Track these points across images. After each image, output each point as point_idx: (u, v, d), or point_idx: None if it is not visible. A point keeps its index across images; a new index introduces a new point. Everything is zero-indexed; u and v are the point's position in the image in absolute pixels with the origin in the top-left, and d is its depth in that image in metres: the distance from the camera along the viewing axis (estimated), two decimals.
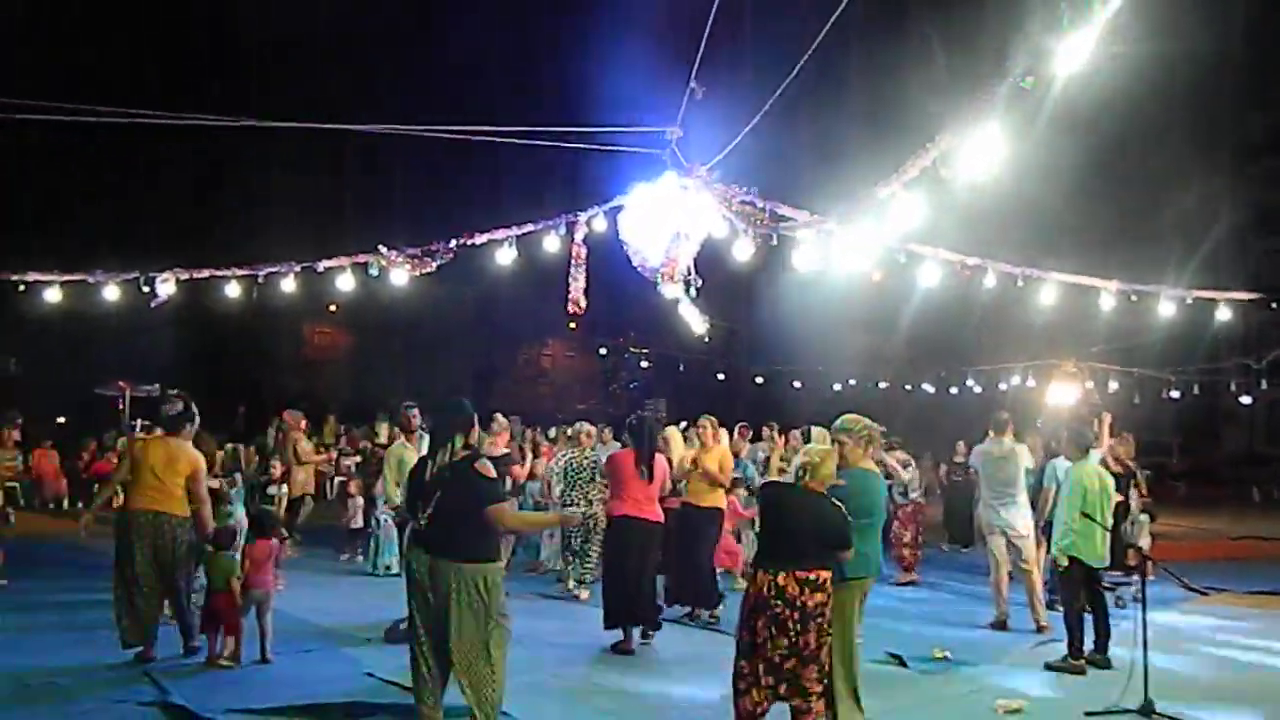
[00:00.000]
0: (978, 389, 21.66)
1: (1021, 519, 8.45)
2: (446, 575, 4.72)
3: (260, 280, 9.19)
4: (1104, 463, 8.63)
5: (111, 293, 9.01)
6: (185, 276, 8.95)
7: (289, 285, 9.24)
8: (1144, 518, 10.83)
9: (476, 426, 5.08)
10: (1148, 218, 17.63)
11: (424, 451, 8.22)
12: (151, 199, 23.70)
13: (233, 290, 9.30)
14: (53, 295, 9.10)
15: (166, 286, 8.89)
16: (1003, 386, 20.57)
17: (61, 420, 21.98)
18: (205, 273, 9.04)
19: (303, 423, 12.52)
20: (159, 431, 7.39)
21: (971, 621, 8.68)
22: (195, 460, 6.81)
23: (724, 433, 9.40)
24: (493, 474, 4.99)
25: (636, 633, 7.44)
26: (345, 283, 9.15)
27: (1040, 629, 8.18)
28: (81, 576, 10.33)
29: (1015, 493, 8.49)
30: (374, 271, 8.99)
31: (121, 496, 7.19)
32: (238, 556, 6.83)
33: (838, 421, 5.62)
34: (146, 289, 8.92)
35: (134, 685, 6.01)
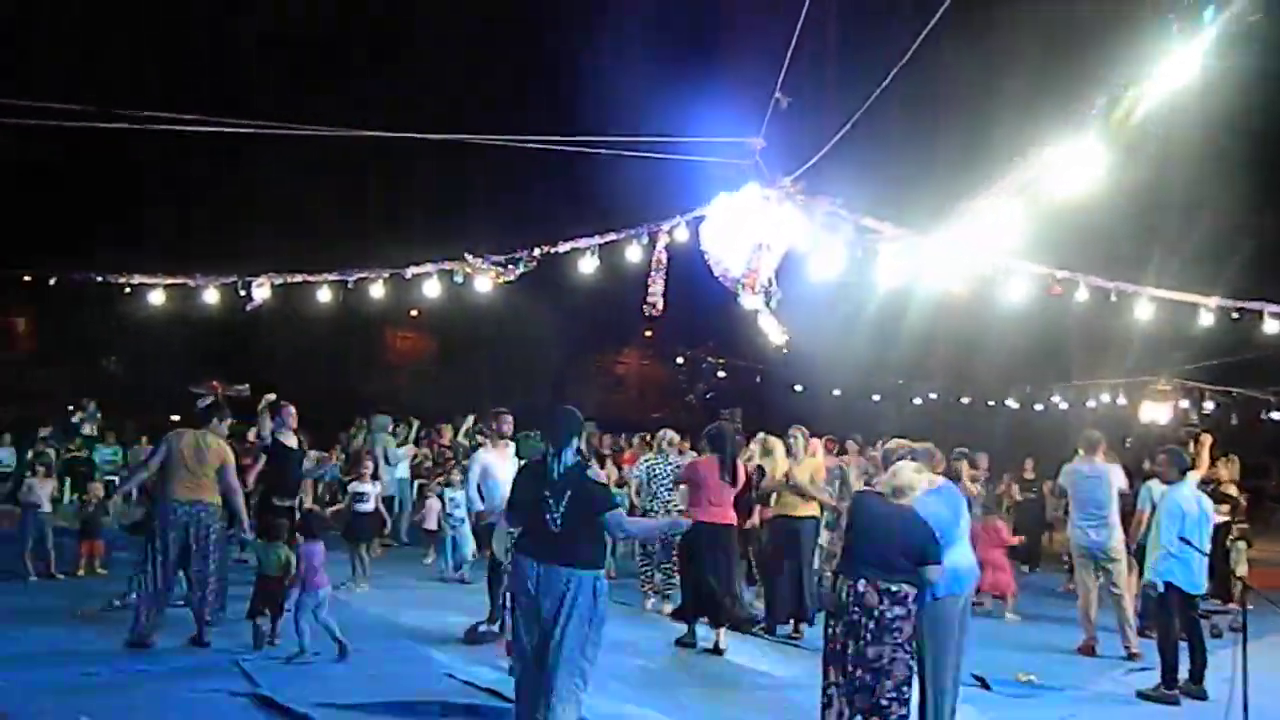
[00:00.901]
0: (1064, 406, 21.05)
1: (1113, 541, 8.18)
2: (559, 582, 4.71)
3: (350, 286, 9.45)
4: (1202, 485, 8.30)
5: (210, 296, 9.38)
6: (279, 281, 9.27)
7: (378, 291, 9.47)
8: (1241, 545, 10.40)
9: (586, 433, 5.14)
10: (1251, 233, 16.94)
11: (510, 459, 8.49)
12: (249, 206, 24.55)
13: (324, 295, 9.58)
14: (155, 297, 9.52)
15: (261, 291, 9.22)
16: (1091, 404, 19.97)
17: (177, 418, 22.79)
18: (298, 277, 9.34)
19: (391, 426, 12.84)
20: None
21: (1054, 645, 8.42)
22: (224, 451, 7.20)
23: (816, 443, 9.35)
24: (605, 481, 5.04)
25: (713, 634, 7.53)
26: (431, 289, 9.35)
27: (1131, 655, 7.90)
28: None
29: (1107, 514, 8.22)
30: (459, 278, 9.18)
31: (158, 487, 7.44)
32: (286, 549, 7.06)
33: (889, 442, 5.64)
34: (243, 293, 9.27)
35: (225, 676, 6.22)
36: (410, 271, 9.23)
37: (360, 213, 25.17)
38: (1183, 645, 6.85)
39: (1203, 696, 6.67)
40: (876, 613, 4.77)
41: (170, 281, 9.34)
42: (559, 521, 4.76)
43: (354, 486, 10.26)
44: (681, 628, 7.84)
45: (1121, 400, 19.07)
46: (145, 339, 22.88)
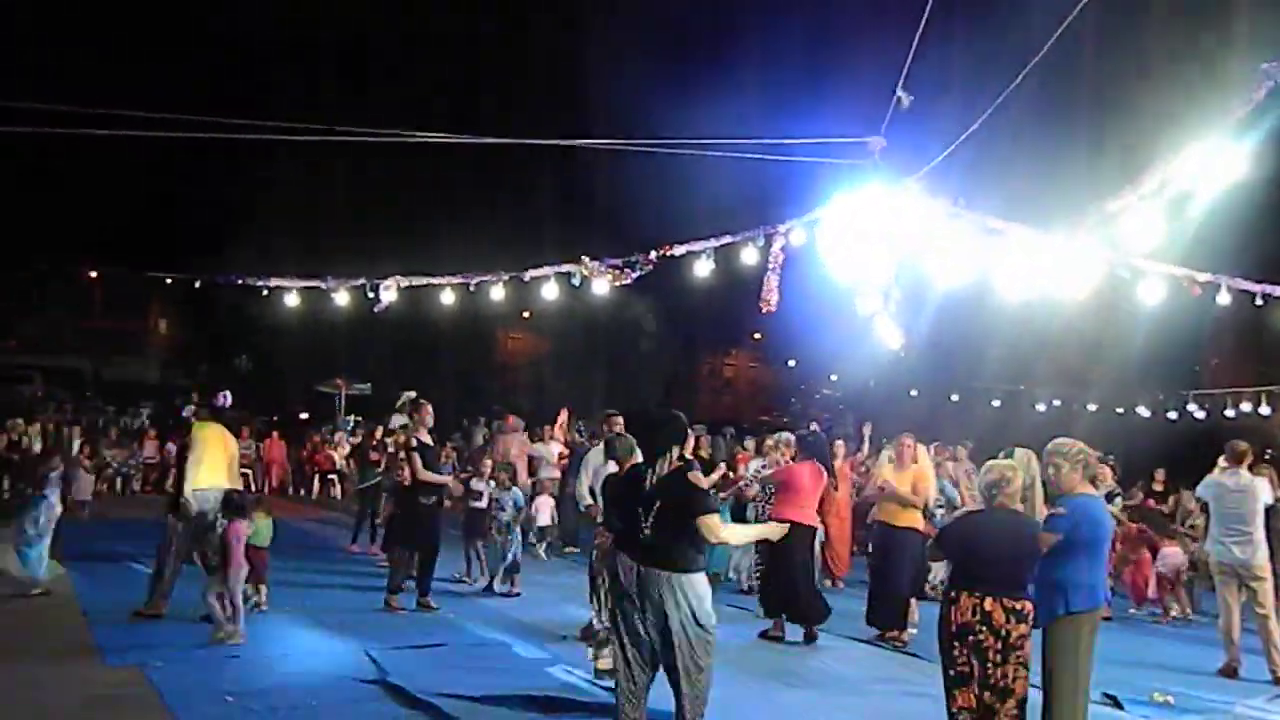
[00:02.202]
0: (1200, 414, 19.96)
1: (1259, 559, 7.73)
2: (659, 585, 4.76)
3: (472, 289, 9.70)
4: None
5: (341, 298, 9.77)
6: (406, 284, 9.58)
7: (498, 293, 9.70)
8: None
9: (690, 437, 5.18)
10: None
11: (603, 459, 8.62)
12: (379, 212, 25.58)
13: (447, 298, 9.86)
14: (291, 299, 9.98)
15: (389, 293, 9.54)
16: (1229, 413, 18.88)
17: (306, 416, 23.93)
18: (423, 280, 9.64)
19: (520, 428, 13.14)
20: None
21: (1193, 666, 8.01)
22: (232, 443, 8.18)
23: (923, 451, 9.13)
24: (705, 485, 5.08)
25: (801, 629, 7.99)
26: (550, 292, 9.51)
27: (1277, 680, 7.45)
28: (307, 557, 11.27)
29: (1252, 530, 7.77)
30: (576, 281, 9.32)
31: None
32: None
33: (1051, 444, 5.33)
34: (371, 295, 9.63)
35: (353, 663, 6.49)
36: (529, 274, 9.41)
37: (483, 216, 25.88)
38: None
39: None
40: (1004, 632, 4.63)
41: (305, 284, 9.77)
42: (651, 527, 4.82)
43: (472, 484, 10.54)
44: (765, 623, 8.20)
45: (1265, 409, 17.97)
46: (278, 338, 24.01)
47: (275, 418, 22.93)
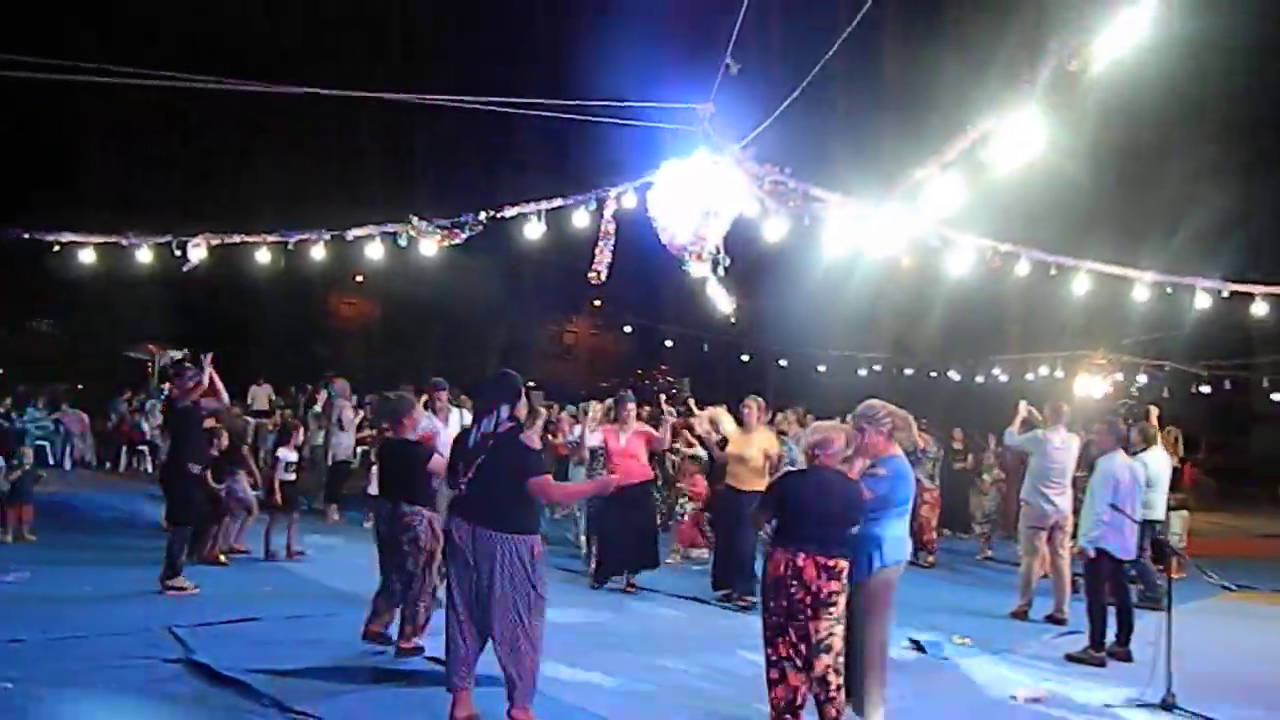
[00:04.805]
0: (1004, 378, 21.45)
1: (1069, 509, 8.39)
2: (491, 545, 4.75)
3: (290, 247, 9.23)
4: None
5: (144, 255, 9.09)
6: (216, 241, 9.01)
7: (319, 253, 9.27)
8: (1183, 513, 10.74)
9: (523, 399, 5.13)
10: (1189, 209, 17.37)
11: (452, 426, 8.47)
12: (185, 163, 23.88)
13: (263, 256, 9.34)
14: (87, 256, 9.20)
15: (198, 251, 8.96)
16: (1030, 377, 20.36)
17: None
18: (236, 238, 9.10)
19: (348, 392, 12.69)
20: None
21: (990, 610, 8.63)
22: None
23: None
24: (537, 445, 5.05)
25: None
26: (374, 251, 9.17)
27: (1060, 620, 8.13)
28: (107, 534, 10.56)
29: (1068, 483, 8.44)
30: (403, 241, 9.01)
31: None
32: None
33: (860, 407, 5.56)
34: (178, 253, 9.00)
35: (159, 642, 6.11)
36: (352, 233, 9.03)
37: (303, 175, 24.62)
38: (1112, 609, 7.05)
39: (1128, 659, 6.88)
40: (814, 588, 4.80)
41: (101, 240, 9.02)
42: (484, 483, 4.79)
43: (280, 454, 10.11)
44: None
45: (1060, 373, 19.48)
46: (79, 300, 22.21)
47: (80, 386, 21.33)
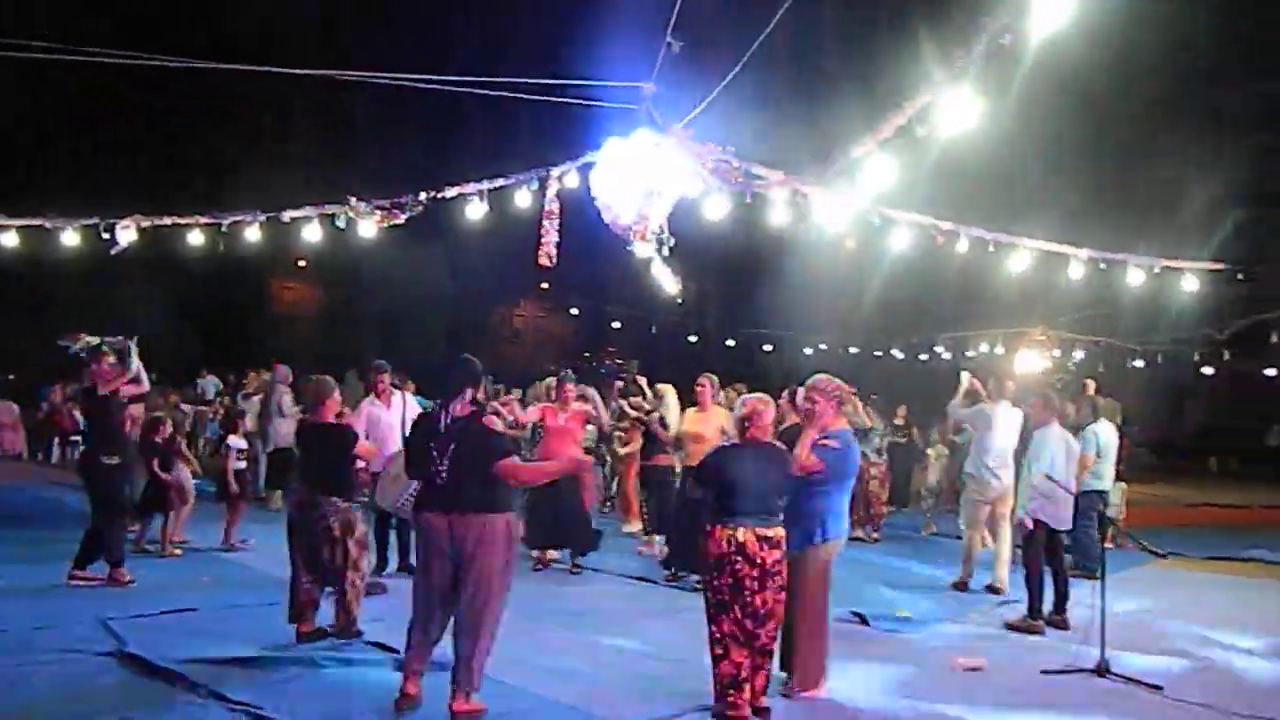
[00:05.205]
0: (947, 356, 21.81)
1: (1012, 481, 8.52)
2: (467, 528, 4.72)
3: (224, 229, 9.00)
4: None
5: (70, 239, 8.80)
6: (146, 224, 8.75)
7: (254, 234, 9.06)
8: (1121, 485, 11.01)
9: (484, 382, 5.09)
10: (1125, 189, 17.80)
11: (394, 410, 8.35)
12: (113, 142, 23.13)
13: (196, 239, 9.10)
14: (8, 240, 8.88)
15: (127, 233, 8.70)
16: (971, 354, 20.73)
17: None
18: (167, 220, 8.85)
19: (290, 378, 12.43)
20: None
21: (932, 582, 8.79)
22: None
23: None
24: (501, 428, 5.02)
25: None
26: (312, 233, 9.00)
27: (999, 590, 8.29)
28: (37, 526, 10.26)
29: (1010, 457, 8.57)
30: (341, 223, 8.85)
31: None
32: None
33: (810, 380, 5.60)
34: (106, 235, 8.72)
35: (90, 635, 5.95)
36: (289, 215, 8.84)
37: (239, 155, 24.01)
38: (1049, 578, 7.21)
39: (1065, 626, 7.04)
40: (758, 560, 4.82)
41: (22, 223, 8.70)
42: (456, 469, 4.75)
43: (230, 442, 9.92)
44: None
45: (1000, 350, 19.86)
46: (4, 287, 21.47)
47: (11, 376, 20.69)
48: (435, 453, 4.81)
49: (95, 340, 7.91)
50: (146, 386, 8.16)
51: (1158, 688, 5.61)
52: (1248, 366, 23.90)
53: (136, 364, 7.79)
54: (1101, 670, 5.80)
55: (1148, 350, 20.65)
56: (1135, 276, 9.44)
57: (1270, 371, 26.02)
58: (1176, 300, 10.41)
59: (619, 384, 12.02)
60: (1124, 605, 7.42)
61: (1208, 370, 23.55)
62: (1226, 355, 20.09)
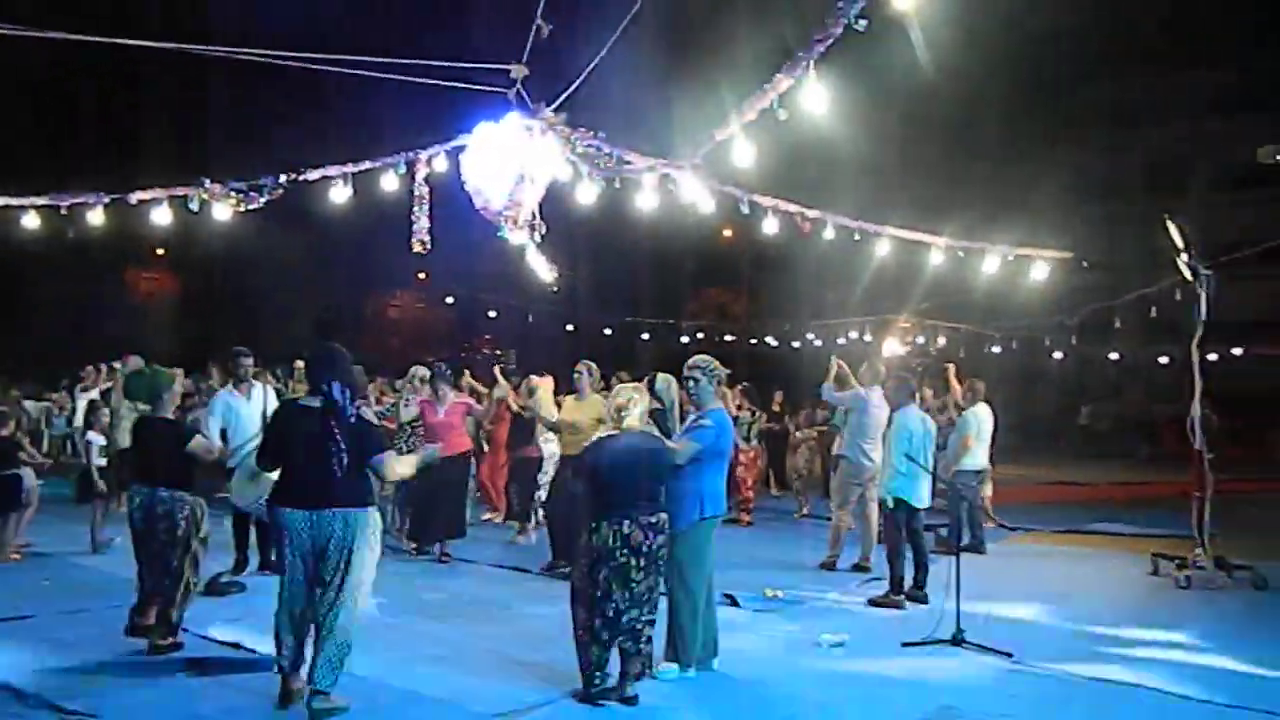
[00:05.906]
0: (818, 343, 22.39)
1: (880, 460, 8.75)
2: (333, 523, 4.58)
3: (64, 211, 8.40)
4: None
5: None
6: None
7: (97, 218, 8.48)
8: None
9: (352, 373, 4.93)
10: (982, 182, 18.65)
11: (254, 401, 7.99)
12: None
13: (31, 222, 8.48)
14: None
15: None
16: (841, 340, 21.35)
17: None
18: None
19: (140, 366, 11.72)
20: None
21: (802, 563, 8.99)
22: None
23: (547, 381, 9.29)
24: (375, 420, 4.85)
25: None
26: (162, 217, 8.49)
27: (865, 568, 8.55)
28: None
29: (880, 439, 8.79)
30: (194, 206, 8.39)
31: None
32: None
33: (692, 360, 5.66)
34: None
35: None
36: (135, 197, 8.32)
37: (78, 133, 22.58)
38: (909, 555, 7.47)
39: (925, 600, 7.32)
40: (644, 549, 4.83)
41: None
42: (310, 467, 4.61)
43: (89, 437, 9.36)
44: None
45: (868, 336, 20.52)
46: None
47: None
48: (298, 446, 4.66)
49: None
50: None
51: (1008, 654, 5.88)
52: (1093, 351, 25.42)
53: None
54: (957, 640, 6.04)
55: (1004, 336, 21.72)
56: (991, 264, 9.85)
57: (1114, 355, 27.76)
58: (1029, 288, 10.90)
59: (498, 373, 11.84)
60: (980, 579, 7.75)
61: (1058, 355, 24.95)
62: (1075, 340, 21.26)
